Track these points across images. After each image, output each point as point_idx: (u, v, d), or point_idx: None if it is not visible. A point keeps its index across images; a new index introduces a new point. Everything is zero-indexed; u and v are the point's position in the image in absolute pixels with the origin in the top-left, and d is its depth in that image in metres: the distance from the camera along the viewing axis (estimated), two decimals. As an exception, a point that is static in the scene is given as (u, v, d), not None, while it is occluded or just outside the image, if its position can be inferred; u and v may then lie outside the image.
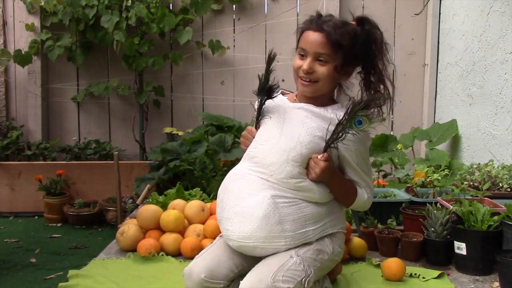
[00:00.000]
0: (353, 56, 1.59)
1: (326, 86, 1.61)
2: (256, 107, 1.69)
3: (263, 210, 1.50)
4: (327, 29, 1.55)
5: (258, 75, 1.67)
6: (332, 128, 1.54)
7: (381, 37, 1.63)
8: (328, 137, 1.54)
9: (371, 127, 1.53)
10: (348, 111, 1.51)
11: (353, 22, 1.62)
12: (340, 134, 1.51)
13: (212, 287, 1.51)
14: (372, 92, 1.65)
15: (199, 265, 1.55)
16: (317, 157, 1.53)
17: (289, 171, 1.54)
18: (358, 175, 1.62)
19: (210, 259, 1.57)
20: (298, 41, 1.64)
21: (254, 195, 1.53)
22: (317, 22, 1.58)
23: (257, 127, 1.69)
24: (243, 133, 1.72)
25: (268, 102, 1.70)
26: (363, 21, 1.62)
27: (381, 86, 1.65)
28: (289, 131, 1.58)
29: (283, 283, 1.43)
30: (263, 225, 1.50)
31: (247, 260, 1.59)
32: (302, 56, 1.60)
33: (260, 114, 1.69)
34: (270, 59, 1.62)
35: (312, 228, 1.56)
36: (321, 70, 1.57)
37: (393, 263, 1.82)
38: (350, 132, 1.51)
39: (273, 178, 1.55)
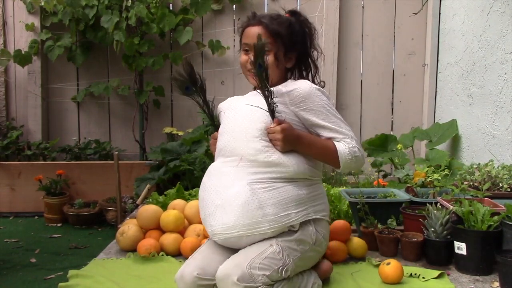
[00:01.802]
0: (292, 43, 1.74)
1: (273, 73, 1.71)
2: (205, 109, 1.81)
3: (242, 197, 1.53)
4: (264, 21, 1.71)
5: (172, 76, 1.79)
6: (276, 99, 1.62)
7: (311, 27, 1.81)
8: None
9: (266, 59, 1.58)
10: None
11: (286, 15, 1.79)
12: (266, 93, 1.59)
13: (206, 284, 1.52)
14: (305, 74, 1.82)
15: (191, 265, 1.56)
16: (270, 127, 1.60)
17: (253, 147, 1.59)
18: (330, 130, 1.64)
19: (201, 259, 1.59)
20: (240, 40, 1.79)
21: (231, 186, 1.57)
22: (254, 18, 1.75)
23: (217, 130, 1.81)
24: (211, 141, 1.86)
25: (222, 104, 1.86)
26: (296, 13, 1.81)
27: (311, 67, 1.82)
28: (241, 114, 1.69)
29: (259, 270, 1.44)
30: (244, 212, 1.52)
31: None
32: (247, 51, 1.75)
33: (212, 114, 1.83)
34: (188, 61, 1.80)
35: (294, 211, 1.57)
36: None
37: (388, 269, 1.78)
38: (266, 84, 1.57)
39: (243, 161, 1.60)
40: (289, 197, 1.57)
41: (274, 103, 1.60)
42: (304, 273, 1.64)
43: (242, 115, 1.68)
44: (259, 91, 1.62)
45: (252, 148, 1.59)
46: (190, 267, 1.55)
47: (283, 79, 1.77)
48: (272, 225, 1.54)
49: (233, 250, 1.59)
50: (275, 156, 1.58)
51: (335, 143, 1.64)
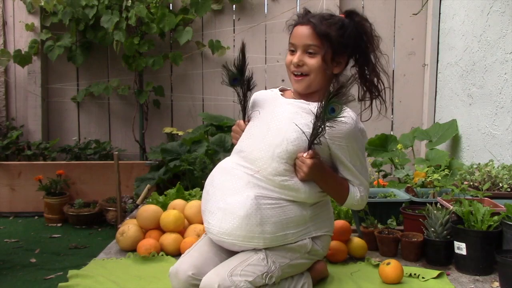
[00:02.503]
0: (343, 46, 1.60)
1: (318, 79, 1.61)
2: (239, 99, 1.70)
3: (245, 210, 1.50)
4: (313, 21, 1.58)
5: (223, 65, 1.67)
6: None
7: (370, 28, 1.65)
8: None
9: (343, 112, 1.49)
10: (322, 102, 1.49)
11: (342, 15, 1.65)
12: (320, 128, 1.49)
13: (199, 284, 1.50)
14: (367, 84, 1.67)
15: (186, 263, 1.56)
16: (302, 156, 1.52)
17: (274, 167, 1.53)
18: (351, 173, 1.60)
19: (197, 256, 1.58)
20: (289, 39, 1.67)
21: (239, 193, 1.53)
22: (304, 16, 1.62)
23: (244, 120, 1.71)
24: (233, 127, 1.75)
25: (257, 96, 1.73)
26: (352, 14, 1.65)
27: (375, 78, 1.67)
28: (276, 126, 1.58)
29: (241, 276, 1.44)
30: (243, 225, 1.50)
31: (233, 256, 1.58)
32: (293, 52, 1.63)
33: (246, 107, 1.70)
34: (243, 49, 1.65)
35: (292, 231, 1.55)
36: (311, 62, 1.59)
37: (388, 269, 1.79)
38: (328, 124, 1.49)
39: (260, 174, 1.55)
40: (291, 217, 1.55)
41: (319, 139, 1.51)
42: (294, 275, 1.63)
43: (276, 127, 1.58)
44: (312, 117, 1.51)
45: (273, 168, 1.53)
46: (185, 265, 1.55)
47: (328, 85, 1.66)
48: (267, 242, 1.52)
49: (229, 250, 1.59)
50: (292, 181, 1.54)
51: (350, 186, 1.61)
